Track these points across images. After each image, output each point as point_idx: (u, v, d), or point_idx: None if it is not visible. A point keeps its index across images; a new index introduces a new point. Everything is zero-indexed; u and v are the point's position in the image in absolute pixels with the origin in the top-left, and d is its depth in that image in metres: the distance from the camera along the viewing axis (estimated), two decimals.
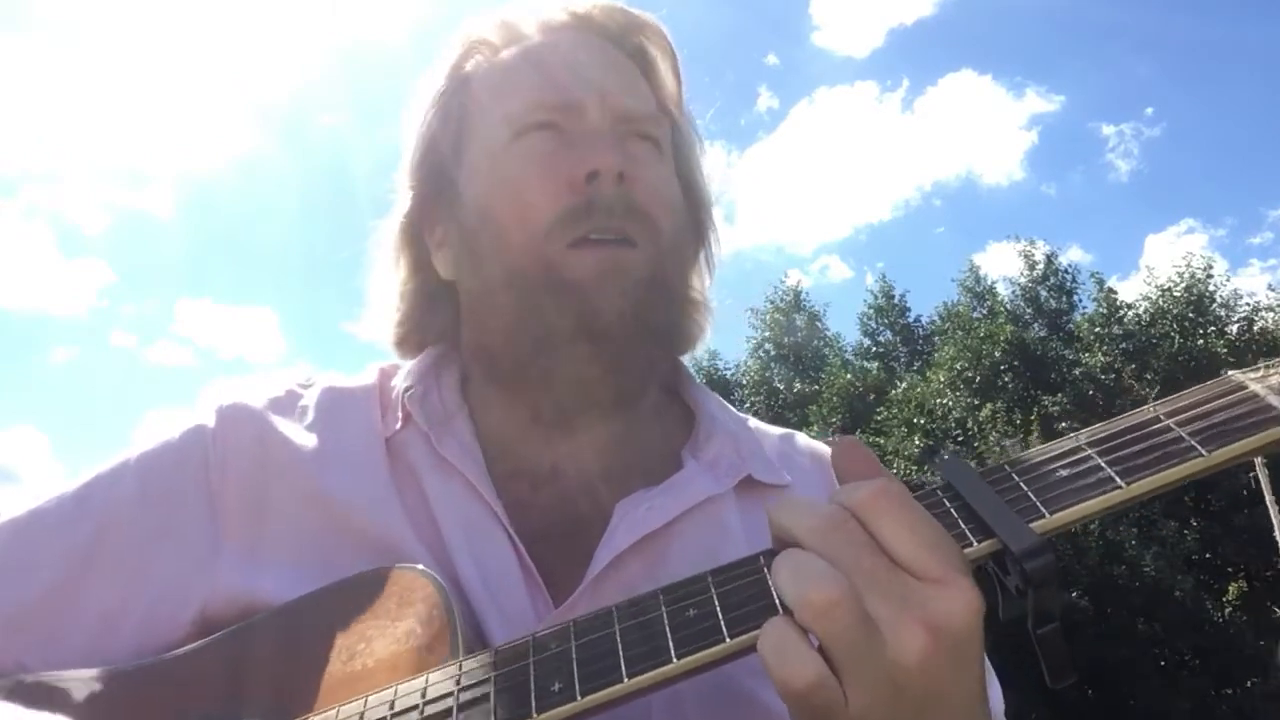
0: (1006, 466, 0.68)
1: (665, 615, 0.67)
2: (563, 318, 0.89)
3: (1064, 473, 0.66)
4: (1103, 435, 0.68)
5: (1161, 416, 0.67)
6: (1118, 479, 0.64)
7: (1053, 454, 0.68)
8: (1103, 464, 0.65)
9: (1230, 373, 0.68)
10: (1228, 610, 22.88)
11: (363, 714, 0.70)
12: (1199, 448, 0.64)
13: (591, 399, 0.94)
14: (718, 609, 0.66)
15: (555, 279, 0.89)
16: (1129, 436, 0.67)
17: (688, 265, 1.03)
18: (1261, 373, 0.66)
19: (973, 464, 0.68)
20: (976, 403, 23.67)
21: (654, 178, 0.95)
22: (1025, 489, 0.66)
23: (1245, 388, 0.66)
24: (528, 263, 0.90)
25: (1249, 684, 21.18)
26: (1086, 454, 0.66)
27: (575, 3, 1.03)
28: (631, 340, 0.90)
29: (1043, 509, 0.64)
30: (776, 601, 0.64)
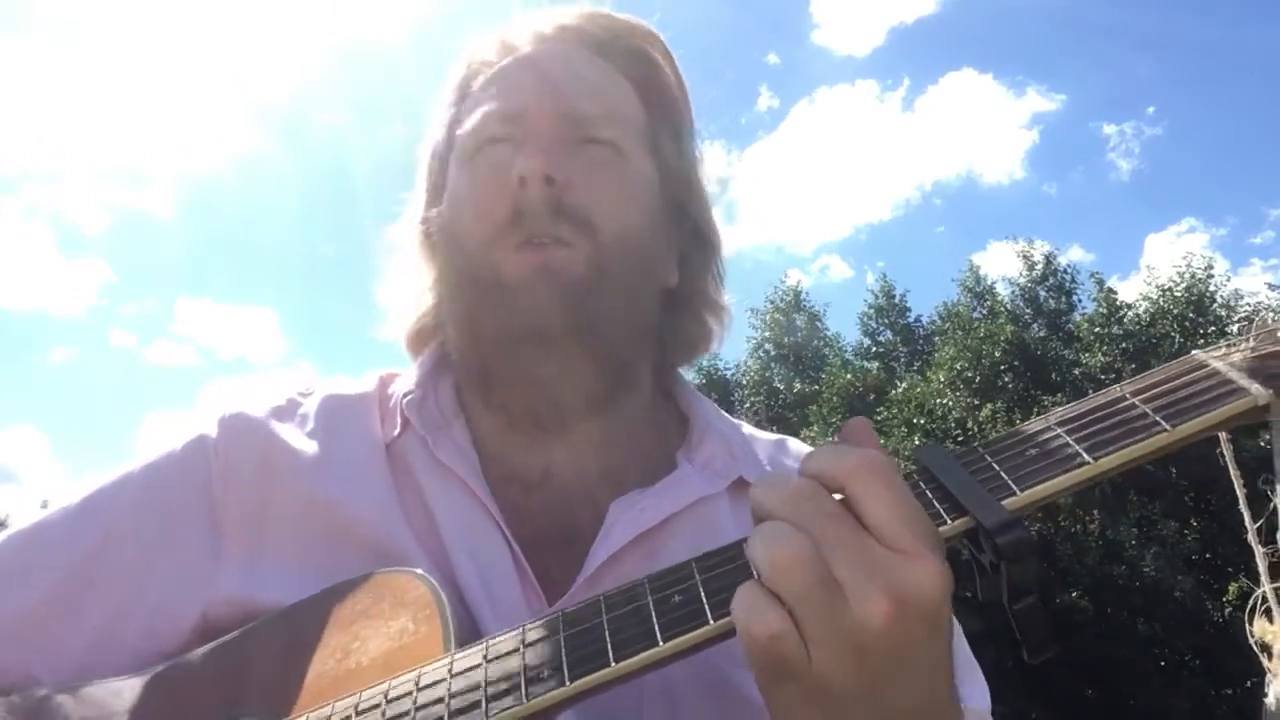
0: (979, 448, 0.70)
1: (651, 601, 0.68)
2: (498, 319, 0.92)
3: (1034, 451, 0.68)
4: (1071, 415, 0.70)
5: (1127, 395, 0.69)
6: (1085, 455, 0.66)
7: (1023, 435, 0.70)
8: (1071, 442, 0.67)
9: (1194, 352, 0.70)
10: (1228, 610, 22.84)
11: (356, 706, 0.72)
12: (1163, 423, 0.65)
13: (558, 401, 0.96)
14: (702, 593, 0.67)
15: (495, 284, 0.92)
16: (1096, 415, 0.69)
17: (657, 266, 1.03)
18: (1224, 351, 0.68)
19: (948, 449, 0.70)
20: (976, 403, 23.67)
21: (595, 180, 0.95)
22: (997, 469, 0.67)
23: (1207, 365, 0.68)
24: (475, 270, 0.94)
25: (1249, 684, 21.14)
26: (1055, 433, 0.68)
27: (564, 14, 1.06)
28: (581, 339, 0.92)
29: (1014, 486, 0.66)
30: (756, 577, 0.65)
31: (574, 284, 0.91)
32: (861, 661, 0.61)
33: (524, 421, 0.98)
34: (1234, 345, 0.68)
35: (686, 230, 1.08)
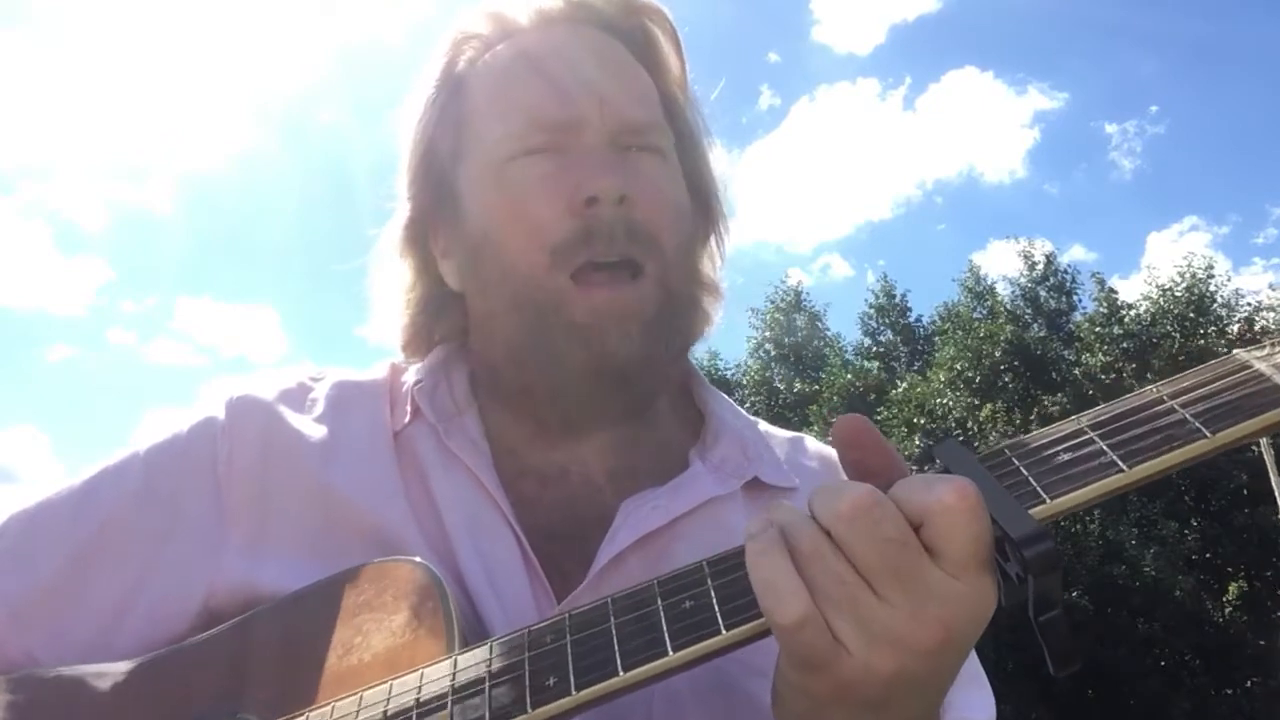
0: (1006, 450, 0.67)
1: (661, 608, 0.66)
2: (571, 353, 0.89)
3: (1065, 457, 0.64)
4: (1105, 418, 0.66)
5: (1165, 398, 0.65)
6: (1120, 463, 0.62)
7: (1053, 437, 0.66)
8: (1105, 447, 0.63)
9: (1235, 351, 0.66)
10: (1228, 610, 22.90)
11: (358, 710, 0.70)
12: (1203, 429, 0.62)
13: (598, 414, 0.94)
14: (714, 600, 0.65)
15: (562, 318, 0.88)
16: (1132, 419, 0.65)
17: (696, 266, 1.02)
18: (1267, 351, 0.64)
19: (971, 448, 0.67)
20: (976, 403, 23.71)
21: (657, 194, 0.93)
22: (1025, 473, 0.64)
23: (1250, 367, 0.64)
24: (533, 292, 0.89)
25: (1249, 684, 21.21)
26: (1088, 437, 0.65)
27: None
28: (647, 367, 0.91)
29: (1043, 494, 0.63)
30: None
31: (650, 321, 0.89)
32: (898, 673, 0.60)
33: (554, 427, 0.96)
34: (1278, 344, 0.64)
35: (702, 218, 1.05)
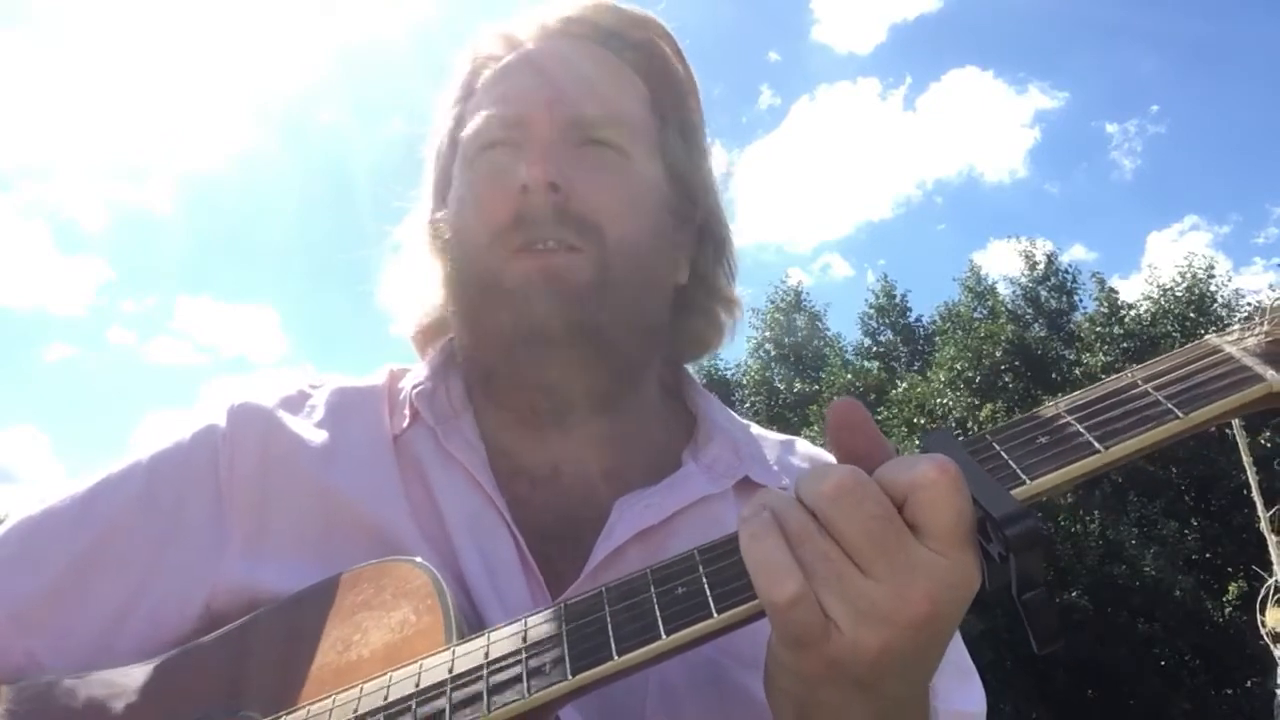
0: (988, 436, 0.69)
1: (654, 595, 0.68)
2: (504, 322, 0.92)
3: (1043, 440, 0.66)
4: (1082, 402, 0.68)
5: (1139, 382, 0.67)
6: (1096, 444, 0.65)
7: (1033, 422, 0.69)
8: (1081, 430, 0.66)
9: (1207, 336, 0.68)
10: (1228, 610, 22.87)
11: (358, 700, 0.72)
12: (1175, 410, 0.64)
13: (564, 400, 0.96)
14: (706, 585, 0.67)
15: (495, 286, 0.93)
16: (1107, 402, 0.67)
17: (663, 266, 1.03)
18: (1236, 335, 0.66)
19: (957, 435, 0.69)
20: (977, 403, 23.69)
21: (600, 186, 0.96)
22: (1006, 457, 0.66)
23: (1221, 350, 0.66)
24: (476, 272, 0.95)
25: (1249, 684, 21.17)
26: (1065, 421, 0.67)
27: (569, 6, 1.05)
28: (586, 342, 0.92)
29: (1023, 475, 0.65)
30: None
31: (579, 289, 0.92)
32: (885, 649, 0.62)
33: (529, 418, 0.98)
34: (1248, 329, 0.66)
35: (695, 227, 1.08)
